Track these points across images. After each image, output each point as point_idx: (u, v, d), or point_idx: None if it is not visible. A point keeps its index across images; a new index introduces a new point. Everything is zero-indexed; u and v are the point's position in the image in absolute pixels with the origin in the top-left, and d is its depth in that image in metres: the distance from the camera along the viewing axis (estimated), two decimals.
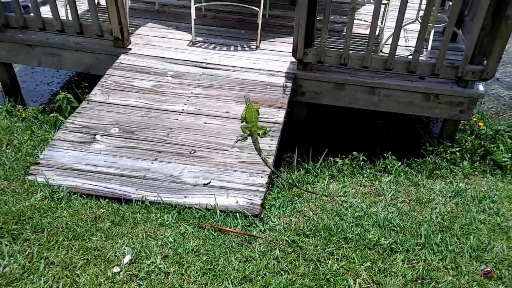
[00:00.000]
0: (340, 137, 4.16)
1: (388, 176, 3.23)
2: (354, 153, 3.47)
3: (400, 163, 3.47)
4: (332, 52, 3.54)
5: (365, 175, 3.25)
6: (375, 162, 3.48)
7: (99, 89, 3.48)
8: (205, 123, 3.20)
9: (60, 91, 3.97)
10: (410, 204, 2.80)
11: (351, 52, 3.50)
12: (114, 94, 3.44)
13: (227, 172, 2.81)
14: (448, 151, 3.55)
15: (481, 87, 3.55)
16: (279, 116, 3.28)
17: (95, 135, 3.07)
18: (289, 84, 3.59)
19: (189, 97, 3.43)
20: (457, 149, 3.55)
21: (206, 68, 3.75)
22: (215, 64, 3.80)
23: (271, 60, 3.89)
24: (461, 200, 2.85)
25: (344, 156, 3.50)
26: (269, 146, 3.01)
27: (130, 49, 3.93)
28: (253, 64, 3.82)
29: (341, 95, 3.75)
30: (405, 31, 4.39)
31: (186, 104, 3.36)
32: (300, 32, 3.45)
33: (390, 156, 3.48)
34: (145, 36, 4.20)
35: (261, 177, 2.78)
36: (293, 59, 3.80)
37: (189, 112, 3.29)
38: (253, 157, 2.92)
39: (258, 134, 3.08)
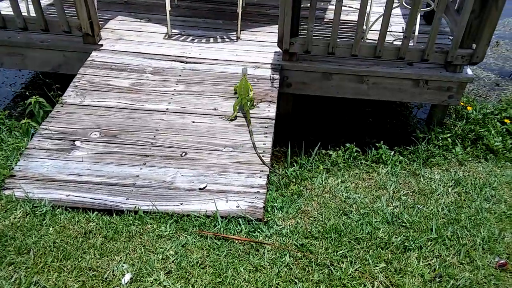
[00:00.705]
0: (327, 127, 4.05)
1: (384, 167, 3.15)
2: (347, 144, 3.37)
3: (392, 152, 3.41)
4: (319, 41, 3.41)
5: (361, 167, 3.16)
6: (366, 152, 3.40)
7: (72, 91, 3.20)
8: (193, 122, 3.00)
9: (27, 93, 3.66)
10: (414, 196, 2.73)
11: (338, 40, 3.37)
12: (90, 95, 3.18)
13: (223, 174, 2.64)
14: (440, 137, 3.51)
15: (469, 71, 3.52)
16: (271, 110, 3.12)
17: (74, 141, 2.82)
18: (277, 76, 3.43)
19: (172, 94, 3.22)
20: (448, 135, 3.52)
21: (187, 62, 3.53)
22: (195, 57, 3.58)
23: (254, 51, 3.71)
24: (462, 189, 2.80)
25: (335, 147, 3.40)
26: (264, 144, 2.86)
27: (101, 45, 3.65)
28: (236, 56, 3.63)
29: (329, 85, 3.64)
30: None
31: (170, 103, 3.14)
32: (286, 22, 3.29)
33: (382, 146, 3.41)
34: (116, 30, 3.92)
35: (260, 177, 2.64)
36: (278, 50, 3.65)
37: (175, 111, 3.08)
38: (249, 156, 2.76)
39: (249, 105, 3.09)
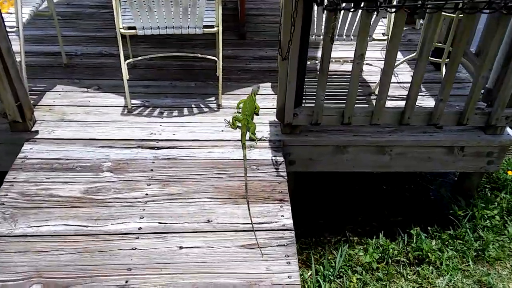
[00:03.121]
0: (335, 201, 3.27)
1: (437, 273, 2.39)
2: (381, 240, 2.61)
3: (433, 242, 2.68)
4: (331, 110, 2.63)
5: (408, 276, 2.39)
6: (396, 238, 2.69)
7: None
8: (180, 247, 2.10)
9: None
10: None
11: (358, 107, 2.62)
12: (25, 216, 2.20)
13: None
14: (486, 215, 2.82)
15: (511, 132, 2.87)
16: (285, 215, 2.28)
17: None
18: (281, 159, 2.60)
19: (145, 203, 2.30)
20: (495, 211, 2.84)
21: (159, 148, 2.63)
22: (169, 140, 2.69)
23: None
24: None
25: (355, 230, 2.66)
26: (289, 277, 1.99)
27: (37, 132, 2.68)
28: (221, 133, 2.78)
29: (343, 159, 2.86)
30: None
31: (142, 217, 2.23)
32: (289, 91, 2.50)
33: (421, 234, 2.67)
34: (56, 106, 2.95)
35: None
36: (273, 118, 2.86)
37: (151, 230, 2.16)
38: None
39: (248, 130, 2.74)
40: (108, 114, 2.89)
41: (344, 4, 2.04)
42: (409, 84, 2.56)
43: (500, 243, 2.65)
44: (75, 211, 2.23)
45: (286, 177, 2.48)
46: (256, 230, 2.17)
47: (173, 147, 2.64)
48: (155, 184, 2.40)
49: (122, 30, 2.73)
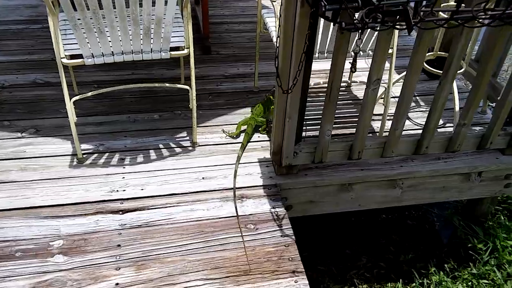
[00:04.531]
0: (332, 240, 2.82)
1: None
2: (400, 285, 2.19)
3: (459, 285, 2.31)
4: (337, 145, 2.16)
5: None
6: (404, 276, 2.35)
7: None
8: None
9: None
10: None
11: (370, 141, 2.16)
12: None
13: None
14: (510, 247, 2.49)
15: None
16: None
17: None
18: (282, 212, 2.10)
19: None
20: None
21: (124, 211, 2.04)
22: (137, 198, 2.11)
23: (227, 165, 2.34)
24: None
25: (361, 275, 2.25)
26: None
27: None
28: (203, 181, 2.23)
29: (348, 198, 2.41)
30: None
31: None
32: (289, 130, 2.00)
33: (443, 277, 2.29)
34: None
35: None
36: (262, 155, 2.36)
37: None
38: None
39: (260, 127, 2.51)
40: (52, 168, 2.24)
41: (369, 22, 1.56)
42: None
43: None
44: None
45: (293, 237, 1.98)
46: None
47: (144, 207, 2.06)
48: (126, 266, 1.82)
49: (65, 60, 2.10)
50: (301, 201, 2.34)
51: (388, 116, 2.52)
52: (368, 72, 1.92)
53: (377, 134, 2.61)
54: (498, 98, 2.37)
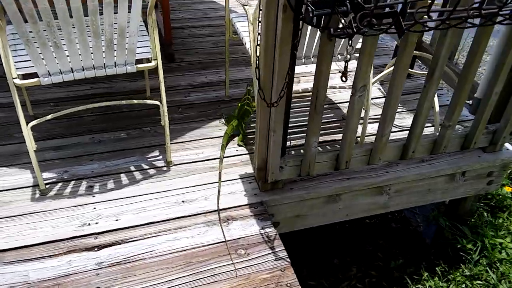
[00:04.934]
0: (319, 251, 2.72)
1: None
2: None
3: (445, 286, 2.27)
4: (323, 156, 2.05)
5: None
6: (396, 283, 2.27)
7: None
8: None
9: None
10: None
11: (356, 149, 2.06)
12: None
13: None
14: (499, 245, 2.47)
15: (510, 146, 2.54)
16: None
17: None
18: (273, 232, 1.96)
19: None
20: (508, 239, 2.50)
21: (100, 247, 1.83)
22: (112, 230, 1.90)
23: (206, 184, 2.17)
24: None
25: (352, 284, 2.15)
26: None
27: None
28: (183, 205, 2.05)
29: (335, 209, 2.31)
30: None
31: None
32: (274, 145, 1.87)
33: (433, 278, 2.24)
34: None
35: None
36: (242, 170, 2.22)
37: None
38: None
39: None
40: (12, 204, 1.99)
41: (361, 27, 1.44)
42: (381, 100, 2.06)
43: None
44: None
45: (288, 259, 1.85)
46: None
47: (121, 241, 1.86)
48: None
49: (18, 81, 1.86)
50: (288, 216, 2.21)
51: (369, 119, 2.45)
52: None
53: (358, 139, 2.53)
54: (475, 95, 2.35)
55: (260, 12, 1.64)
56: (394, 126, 2.61)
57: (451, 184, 2.46)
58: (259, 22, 1.67)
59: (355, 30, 1.29)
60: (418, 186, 2.39)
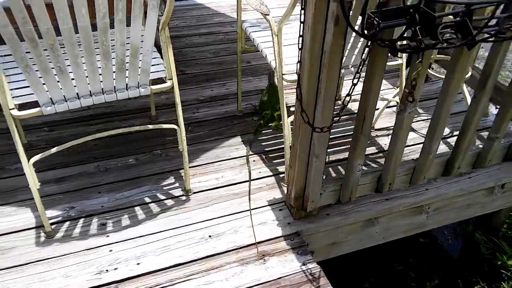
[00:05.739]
0: (343, 268, 2.53)
1: None
2: None
3: None
4: (365, 178, 1.85)
5: None
6: None
7: None
8: None
9: None
10: None
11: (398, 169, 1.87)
12: None
13: None
14: None
15: None
16: None
17: None
18: (317, 269, 1.74)
19: None
20: None
21: None
22: (134, 277, 1.65)
23: (230, 214, 1.94)
24: None
25: None
26: None
27: None
28: (210, 240, 1.81)
29: (372, 233, 2.11)
30: None
31: None
32: (315, 171, 1.65)
33: None
34: None
35: None
36: (270, 195, 2.00)
37: None
38: None
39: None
40: (14, 250, 1.72)
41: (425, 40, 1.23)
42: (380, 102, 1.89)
43: None
44: None
45: None
46: None
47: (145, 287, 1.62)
48: None
49: (15, 112, 1.59)
50: (323, 244, 2.00)
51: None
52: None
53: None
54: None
55: (302, 24, 1.43)
56: (422, 136, 2.46)
57: (490, 197, 2.30)
58: (300, 36, 1.45)
59: (441, 43, 1.09)
60: (457, 202, 2.21)
